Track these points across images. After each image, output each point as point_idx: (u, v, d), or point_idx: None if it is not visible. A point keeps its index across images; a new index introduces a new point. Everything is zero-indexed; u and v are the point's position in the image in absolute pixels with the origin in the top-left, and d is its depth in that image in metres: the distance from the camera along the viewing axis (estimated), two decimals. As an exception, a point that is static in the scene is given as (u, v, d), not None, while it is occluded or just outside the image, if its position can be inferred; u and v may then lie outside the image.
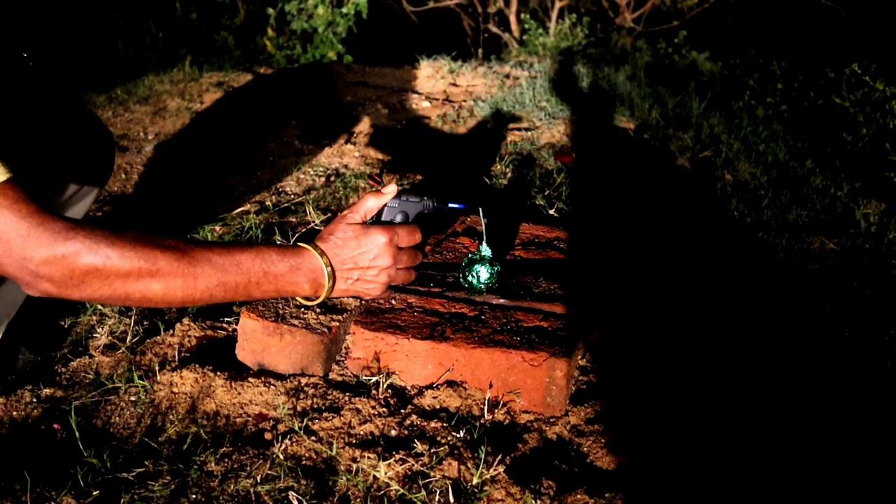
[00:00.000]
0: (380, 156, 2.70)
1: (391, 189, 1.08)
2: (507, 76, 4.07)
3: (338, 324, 1.13)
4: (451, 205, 1.20)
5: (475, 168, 2.27)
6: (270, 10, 6.74)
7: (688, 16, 8.85)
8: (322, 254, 0.98)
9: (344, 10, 6.59)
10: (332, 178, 2.47)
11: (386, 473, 0.93)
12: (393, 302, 1.17)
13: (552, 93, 3.25)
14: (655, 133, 2.80)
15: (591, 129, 2.81)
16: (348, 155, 2.73)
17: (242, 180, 2.59)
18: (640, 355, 1.21)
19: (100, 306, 1.51)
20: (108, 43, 4.92)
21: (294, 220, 2.08)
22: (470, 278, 1.20)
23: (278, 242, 1.83)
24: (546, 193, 1.98)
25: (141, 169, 2.85)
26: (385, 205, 1.10)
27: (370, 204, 1.06)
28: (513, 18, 8.12)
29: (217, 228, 2.06)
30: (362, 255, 1.02)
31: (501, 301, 1.19)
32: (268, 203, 2.28)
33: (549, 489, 0.90)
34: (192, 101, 3.63)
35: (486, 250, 1.20)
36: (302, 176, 2.57)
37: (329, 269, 0.99)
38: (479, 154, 2.45)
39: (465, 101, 3.37)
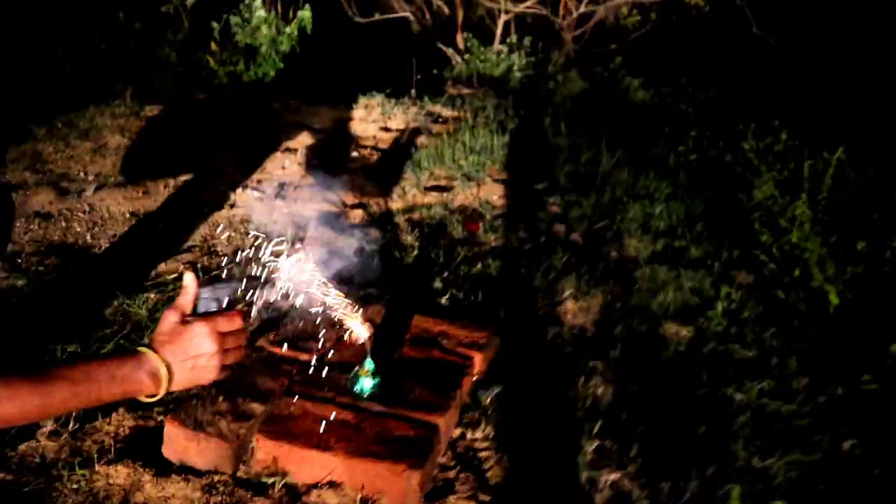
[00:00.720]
0: (308, 212, 2.99)
1: (189, 280, 1.17)
2: (438, 118, 4.38)
3: (245, 430, 1.43)
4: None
5: (388, 244, 2.57)
6: (215, 24, 6.84)
7: (629, 38, 9.31)
8: (156, 351, 1.10)
9: (288, 29, 6.76)
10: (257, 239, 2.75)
11: (275, 561, 1.24)
12: (292, 410, 1.48)
13: (472, 147, 3.58)
14: (561, 196, 3.16)
15: (502, 192, 3.15)
16: (277, 211, 3.01)
17: (178, 235, 2.84)
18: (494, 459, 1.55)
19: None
20: (50, 58, 5.01)
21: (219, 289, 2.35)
22: (356, 389, 1.51)
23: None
24: (444, 275, 2.30)
25: (80, 216, 3.06)
26: (198, 297, 1.19)
27: (182, 301, 1.16)
28: (459, 37, 8.42)
29: (152, 296, 2.32)
30: (191, 346, 1.13)
31: (380, 409, 1.51)
32: (199, 265, 2.54)
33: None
34: (132, 139, 3.83)
35: (369, 364, 1.52)
36: (233, 234, 2.84)
37: (164, 364, 1.11)
38: (392, 225, 2.76)
39: (393, 150, 3.68)
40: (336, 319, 1.72)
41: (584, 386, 1.85)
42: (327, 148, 3.75)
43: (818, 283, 2.30)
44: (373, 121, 4.16)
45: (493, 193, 3.14)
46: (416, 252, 2.51)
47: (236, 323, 1.20)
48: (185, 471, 1.43)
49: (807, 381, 2.05)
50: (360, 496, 1.37)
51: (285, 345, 1.78)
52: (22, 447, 1.58)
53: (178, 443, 1.43)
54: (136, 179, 3.43)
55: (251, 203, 3.15)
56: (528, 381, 1.83)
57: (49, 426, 1.63)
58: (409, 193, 3.13)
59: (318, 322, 1.82)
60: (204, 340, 1.15)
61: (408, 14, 9.37)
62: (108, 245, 2.83)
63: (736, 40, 9.12)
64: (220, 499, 1.37)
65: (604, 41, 9.67)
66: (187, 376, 1.17)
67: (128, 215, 3.08)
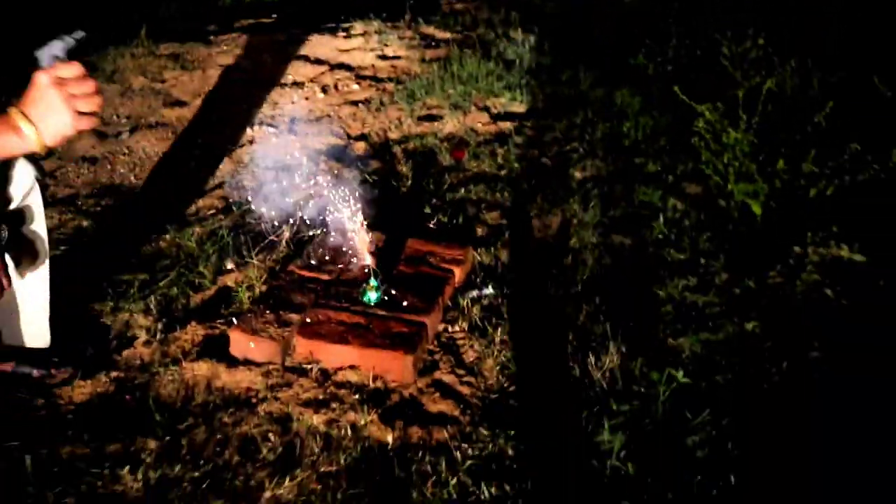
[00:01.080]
0: (318, 145, 3.49)
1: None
2: (433, 41, 4.76)
3: (287, 333, 2.02)
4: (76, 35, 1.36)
5: (387, 174, 3.09)
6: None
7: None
8: (16, 109, 1.29)
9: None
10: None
11: (317, 419, 1.85)
12: (319, 317, 2.06)
13: (459, 77, 4.00)
14: (538, 120, 3.62)
15: (486, 119, 3.62)
16: (290, 146, 3.51)
17: (208, 172, 3.37)
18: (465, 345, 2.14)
19: (130, 308, 2.35)
20: None
21: (252, 221, 2.90)
22: (365, 299, 2.09)
23: None
24: (433, 202, 2.83)
25: (122, 158, 3.58)
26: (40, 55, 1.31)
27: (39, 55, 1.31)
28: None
29: (197, 229, 2.87)
30: (39, 97, 1.27)
31: (383, 313, 2.08)
32: (230, 200, 3.09)
33: (398, 426, 1.83)
34: (155, 80, 4.28)
35: (374, 281, 2.08)
36: (255, 169, 3.35)
37: (24, 118, 1.26)
38: (390, 156, 3.26)
39: (389, 80, 4.11)
40: (348, 247, 2.28)
41: (538, 285, 2.42)
42: (329, 82, 4.19)
43: (739, 199, 2.81)
44: (370, 49, 4.56)
45: (478, 121, 3.61)
46: (409, 182, 3.03)
47: (76, 70, 1.30)
48: (248, 364, 2.03)
49: (727, 278, 2.60)
50: (372, 374, 1.96)
51: (310, 269, 2.35)
52: (125, 353, 2.18)
53: (241, 344, 2.02)
54: (163, 120, 3.92)
55: (268, 138, 3.65)
56: (499, 286, 2.39)
57: (143, 337, 2.23)
58: (404, 124, 3.60)
59: (334, 249, 2.38)
60: (48, 90, 1.27)
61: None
62: (150, 185, 3.36)
63: None
64: (274, 381, 1.97)
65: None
66: (52, 129, 1.29)
67: (161, 155, 3.59)
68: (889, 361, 2.08)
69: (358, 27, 4.94)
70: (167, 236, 2.83)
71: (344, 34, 4.82)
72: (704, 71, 4.60)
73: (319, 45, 4.69)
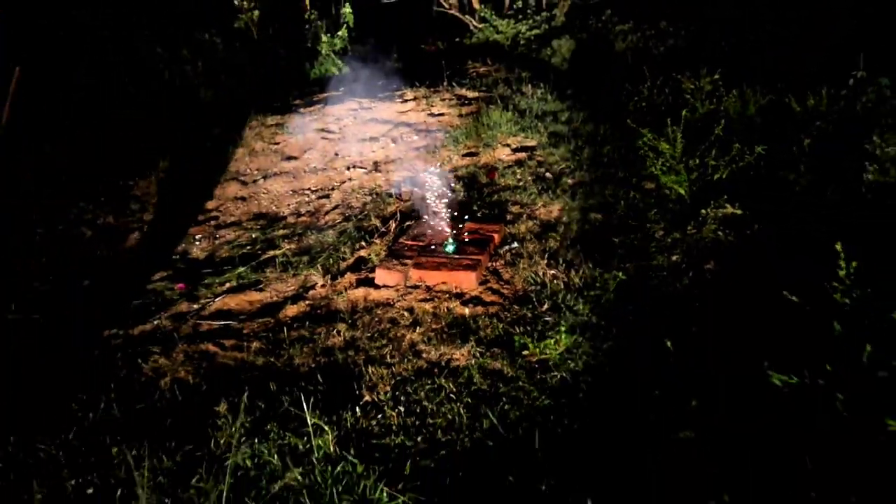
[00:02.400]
0: (397, 178, 5.36)
1: None
2: (465, 100, 6.68)
3: (406, 268, 3.84)
4: None
5: (448, 189, 4.94)
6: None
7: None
8: None
9: (340, 33, 9.05)
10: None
11: (427, 306, 3.65)
12: (422, 260, 3.88)
13: (487, 125, 5.87)
14: (544, 149, 5.46)
15: (508, 153, 5.47)
16: (381, 177, 5.38)
17: (324, 199, 5.25)
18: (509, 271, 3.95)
19: (307, 272, 4.19)
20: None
21: (365, 223, 4.75)
22: (446, 250, 3.91)
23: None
24: (478, 202, 4.67)
25: (262, 196, 5.49)
26: None
27: None
28: (476, 6, 10.59)
29: (330, 232, 4.73)
30: None
31: (456, 256, 3.90)
32: (347, 214, 4.96)
33: (470, 307, 3.63)
34: (270, 143, 6.24)
35: (450, 245, 3.91)
36: (352, 200, 5.22)
37: None
38: (448, 179, 5.12)
39: (438, 131, 6.01)
40: (432, 229, 4.13)
41: (543, 242, 4.21)
42: (397, 134, 6.10)
43: (672, 186, 4.58)
44: (421, 110, 6.48)
45: (503, 154, 5.47)
46: (462, 192, 4.87)
47: None
48: (385, 287, 3.85)
49: (662, 233, 4.35)
50: (454, 285, 3.77)
51: (412, 240, 4.19)
52: (311, 293, 4.02)
53: (381, 276, 3.85)
54: (284, 170, 5.85)
55: (360, 175, 5.53)
56: (519, 243, 4.20)
57: (320, 282, 4.07)
58: (453, 160, 5.47)
59: (423, 232, 4.24)
60: None
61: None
62: (287, 210, 5.26)
63: None
64: (401, 293, 3.79)
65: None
66: None
67: (289, 192, 5.51)
68: (744, 263, 3.82)
69: (409, 94, 6.89)
70: (312, 238, 4.70)
71: (400, 100, 6.76)
72: (672, 102, 6.39)
73: (383, 109, 6.63)
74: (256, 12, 9.49)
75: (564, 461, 2.68)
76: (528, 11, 11.06)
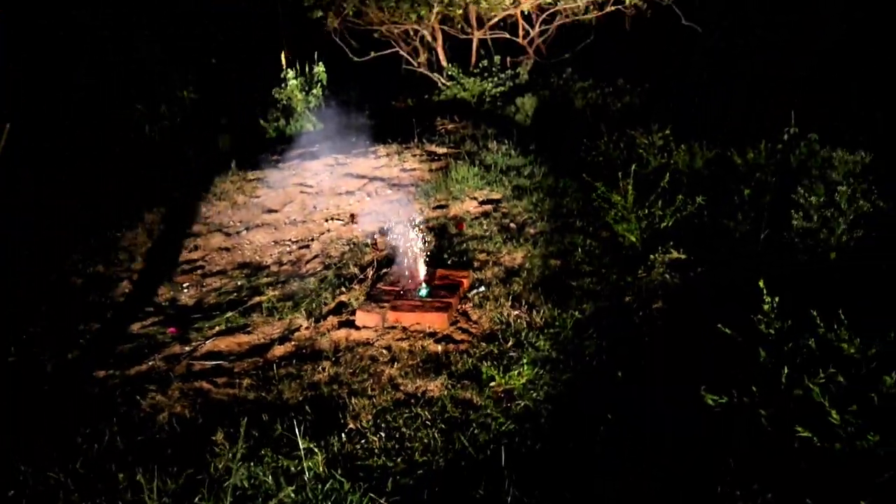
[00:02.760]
0: (372, 228, 5.80)
1: None
2: (435, 156, 7.18)
3: (384, 311, 4.24)
4: None
5: (419, 239, 5.38)
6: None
7: (578, 48, 12.16)
8: None
9: (314, 91, 9.57)
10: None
11: (403, 345, 4.05)
12: (398, 303, 4.29)
13: (455, 179, 6.36)
14: (508, 202, 5.95)
15: (475, 205, 5.95)
16: (355, 231, 5.81)
17: (304, 250, 5.65)
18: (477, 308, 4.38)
19: (291, 315, 4.57)
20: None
21: (345, 271, 5.16)
22: (420, 294, 4.33)
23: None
24: (448, 251, 5.11)
25: (246, 246, 5.88)
26: None
27: None
28: (442, 56, 11.22)
29: (312, 279, 5.12)
30: None
31: (429, 300, 4.32)
32: (327, 263, 5.36)
33: (442, 345, 4.04)
34: (251, 196, 6.66)
35: (423, 289, 4.34)
36: (328, 246, 5.64)
37: None
38: (420, 230, 5.56)
39: (410, 185, 6.48)
40: (406, 275, 4.56)
41: (507, 286, 4.65)
42: (371, 188, 6.56)
43: (623, 234, 5.08)
44: (394, 165, 6.97)
45: (470, 206, 5.95)
46: (433, 242, 5.32)
47: None
48: (365, 328, 4.25)
49: (616, 277, 4.82)
50: (427, 326, 4.18)
51: (389, 285, 4.61)
52: (295, 335, 4.39)
53: (361, 318, 4.25)
54: (265, 222, 6.25)
55: (338, 227, 5.96)
56: (486, 287, 4.63)
57: (304, 324, 4.45)
58: (424, 212, 5.94)
59: (398, 278, 4.66)
60: None
61: (400, 50, 12.30)
62: (269, 260, 5.65)
63: (670, 32, 12.05)
64: (380, 333, 4.19)
65: (560, 50, 12.60)
66: None
67: (272, 243, 5.90)
68: (687, 302, 4.29)
69: (382, 150, 7.38)
70: (295, 285, 5.09)
71: (373, 156, 7.25)
72: (627, 156, 6.95)
73: (357, 164, 7.11)
74: (233, 74, 10.01)
75: (527, 478, 3.07)
76: (494, 69, 11.74)
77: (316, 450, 3.19)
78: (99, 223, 6.30)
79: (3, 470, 3.34)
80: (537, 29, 12.33)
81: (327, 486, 3.01)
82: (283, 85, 9.45)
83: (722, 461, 2.91)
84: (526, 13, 12.08)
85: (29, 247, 5.87)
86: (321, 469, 3.13)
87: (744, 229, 5.13)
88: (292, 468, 3.17)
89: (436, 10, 11.11)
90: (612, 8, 11.52)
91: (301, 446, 3.20)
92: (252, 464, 3.17)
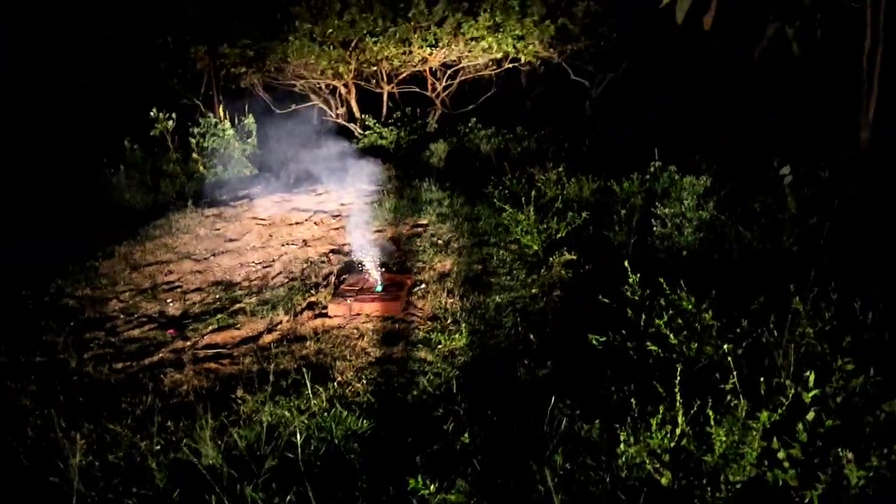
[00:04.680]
0: (323, 250, 7.10)
1: None
2: (366, 192, 8.58)
3: (350, 302, 5.56)
4: None
5: (366, 256, 6.73)
6: (192, 141, 10.88)
7: (479, 100, 13.93)
8: None
9: (249, 140, 10.84)
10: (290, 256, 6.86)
11: (369, 326, 5.37)
12: (360, 297, 5.62)
13: (388, 208, 7.77)
14: (435, 225, 7.40)
15: (408, 227, 7.36)
16: (311, 251, 7.10)
17: (268, 269, 6.90)
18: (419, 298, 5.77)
19: (272, 314, 5.80)
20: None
21: (308, 281, 6.43)
22: (376, 289, 5.69)
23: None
24: (391, 262, 6.49)
25: (215, 269, 7.06)
26: None
27: None
28: (355, 108, 12.72)
29: (281, 289, 6.37)
30: None
31: (383, 293, 5.68)
32: (290, 277, 6.63)
33: (398, 325, 5.40)
34: (212, 229, 7.83)
35: (379, 286, 5.70)
36: (283, 270, 6.92)
37: None
38: (363, 249, 6.92)
39: (350, 216, 7.84)
40: (363, 278, 5.93)
41: (441, 284, 6.06)
42: (317, 219, 7.87)
43: (528, 244, 6.61)
44: (333, 200, 8.31)
45: (403, 230, 7.36)
46: (377, 257, 6.68)
47: None
48: (336, 316, 5.54)
49: (524, 276, 6.32)
50: (385, 312, 5.52)
51: (349, 286, 5.94)
52: (277, 328, 5.63)
53: (333, 308, 5.55)
54: (228, 249, 7.44)
55: (293, 251, 7.22)
56: (425, 286, 6.03)
57: (285, 319, 5.70)
58: (366, 236, 7.30)
59: (356, 280, 6.02)
60: None
61: (318, 102, 13.72)
62: (240, 278, 6.86)
63: (562, 85, 13.98)
64: (348, 320, 5.49)
65: (464, 102, 14.36)
66: None
67: (239, 265, 7.11)
68: (579, 287, 5.83)
69: (320, 189, 8.71)
70: (268, 294, 6.32)
71: (314, 193, 8.57)
72: (528, 189, 8.54)
73: (301, 201, 8.41)
74: (172, 122, 11.12)
75: (471, 400, 4.44)
76: (406, 120, 13.33)
77: (320, 388, 4.47)
78: (75, 253, 7.31)
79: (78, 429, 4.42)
80: (443, 83, 14.09)
81: (331, 413, 4.29)
82: (221, 135, 10.65)
83: (604, 374, 4.38)
84: (433, 69, 13.80)
85: (17, 271, 6.84)
86: (325, 404, 4.40)
87: (620, 238, 6.78)
88: (302, 406, 4.42)
89: (353, 66, 12.63)
90: (510, 65, 13.40)
91: (308, 389, 4.46)
92: (272, 404, 4.40)
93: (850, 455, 2.97)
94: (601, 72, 14.30)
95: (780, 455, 3.16)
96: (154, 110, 10.99)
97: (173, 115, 11.19)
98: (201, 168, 10.45)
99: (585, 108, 14.70)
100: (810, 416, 3.23)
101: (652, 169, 8.00)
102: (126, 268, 7.11)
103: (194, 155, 10.81)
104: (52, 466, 3.99)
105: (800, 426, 3.20)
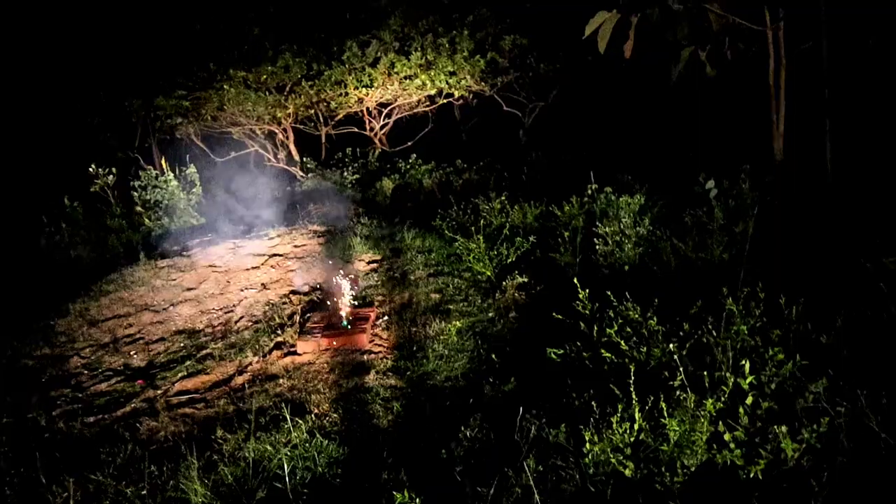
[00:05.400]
0: (283, 291, 7.36)
1: None
2: (318, 233, 8.89)
3: (317, 338, 5.85)
4: None
5: (326, 294, 7.02)
6: (135, 194, 11.00)
7: (417, 137, 14.42)
8: None
9: (195, 190, 11.02)
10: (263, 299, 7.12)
11: (337, 359, 5.67)
12: (327, 332, 5.92)
13: (340, 247, 8.10)
14: (388, 260, 7.75)
15: (364, 264, 7.69)
16: (271, 292, 7.36)
17: (230, 314, 7.14)
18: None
19: (241, 357, 6.04)
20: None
21: (272, 322, 6.69)
22: (342, 324, 6.00)
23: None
24: (353, 297, 6.82)
25: (176, 318, 7.25)
26: None
27: None
28: (294, 151, 13.03)
29: (245, 332, 6.61)
30: None
31: (350, 329, 5.99)
32: (253, 321, 6.88)
33: (365, 356, 5.72)
34: (167, 280, 8.01)
35: (344, 321, 6.01)
36: (246, 315, 7.16)
37: None
38: (321, 288, 7.21)
39: (305, 256, 8.13)
40: (328, 314, 6.24)
41: (403, 314, 6.41)
42: (272, 262, 8.14)
43: (480, 270, 7.03)
44: (287, 243, 8.59)
45: (360, 266, 7.69)
46: (341, 293, 7.00)
47: None
48: (305, 353, 5.82)
49: (479, 301, 6.72)
50: (352, 345, 5.83)
51: (314, 324, 6.24)
52: (250, 368, 5.87)
53: (301, 346, 5.82)
54: (187, 298, 7.63)
55: (252, 295, 7.47)
56: (388, 318, 6.37)
57: (254, 360, 5.95)
58: (323, 275, 7.60)
59: (321, 318, 6.32)
60: None
61: (258, 148, 13.99)
62: (203, 326, 7.06)
63: (496, 116, 14.59)
64: (318, 356, 5.78)
65: (403, 139, 14.82)
66: None
67: (199, 313, 7.31)
68: (533, 307, 6.26)
69: (272, 233, 8.99)
70: (233, 338, 6.55)
71: (267, 237, 8.84)
72: (474, 218, 8.97)
73: (255, 246, 8.66)
74: (112, 177, 11.23)
75: (445, 416, 4.79)
76: (347, 160, 13.69)
77: (300, 420, 4.75)
78: (26, 314, 7.40)
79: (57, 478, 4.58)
80: (380, 122, 14.55)
81: (313, 443, 4.57)
82: (165, 186, 10.82)
83: (564, 383, 4.79)
84: (370, 109, 14.25)
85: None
86: (305, 435, 4.68)
87: (566, 258, 7.26)
88: (283, 439, 4.69)
89: (290, 110, 12.98)
90: (444, 100, 13.95)
91: (288, 423, 4.73)
92: (255, 440, 4.66)
93: (784, 429, 3.43)
94: (532, 101, 15.01)
95: (727, 437, 3.60)
96: (93, 166, 11.10)
97: (113, 170, 11.32)
98: (147, 221, 10.58)
99: (520, 136, 15.37)
100: (749, 400, 3.69)
101: (589, 191, 8.53)
102: (83, 324, 7.23)
103: (137, 208, 10.93)
104: (45, 518, 4.15)
105: (741, 410, 3.65)
